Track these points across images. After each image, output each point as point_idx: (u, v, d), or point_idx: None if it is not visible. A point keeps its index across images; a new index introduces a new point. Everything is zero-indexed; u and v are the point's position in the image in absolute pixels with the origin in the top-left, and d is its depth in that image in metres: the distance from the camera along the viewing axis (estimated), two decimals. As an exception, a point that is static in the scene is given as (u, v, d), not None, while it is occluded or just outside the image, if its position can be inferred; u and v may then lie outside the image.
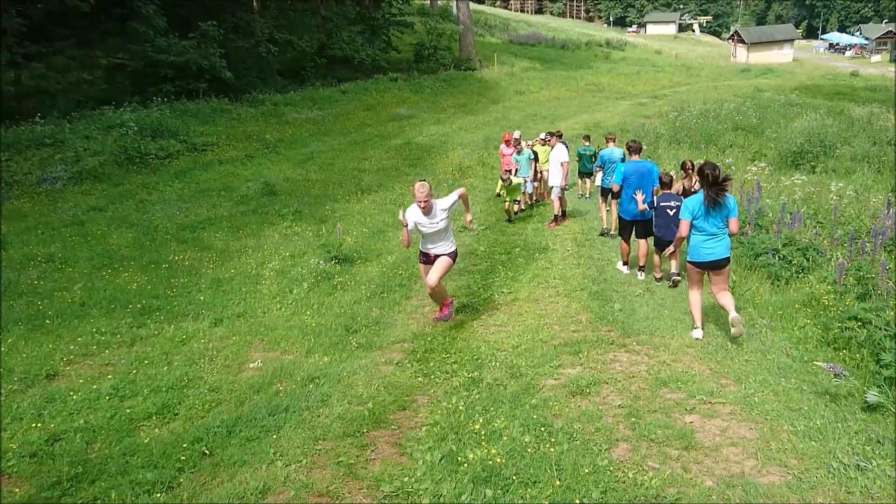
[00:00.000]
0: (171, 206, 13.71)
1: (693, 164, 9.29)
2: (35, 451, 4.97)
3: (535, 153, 13.73)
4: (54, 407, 5.73)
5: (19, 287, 8.99)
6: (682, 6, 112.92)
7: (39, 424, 5.38)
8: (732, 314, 6.44)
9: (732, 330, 6.43)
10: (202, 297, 8.77)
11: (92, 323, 7.73)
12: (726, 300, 6.64)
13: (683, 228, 6.80)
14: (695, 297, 6.86)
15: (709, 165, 6.69)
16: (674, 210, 8.23)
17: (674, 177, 8.91)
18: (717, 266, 6.70)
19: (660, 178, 8.83)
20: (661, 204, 8.53)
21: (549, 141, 13.27)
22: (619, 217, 9.37)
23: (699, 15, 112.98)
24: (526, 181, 13.34)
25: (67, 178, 15.40)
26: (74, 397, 5.85)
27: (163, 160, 17.68)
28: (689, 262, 6.87)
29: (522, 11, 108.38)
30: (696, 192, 8.35)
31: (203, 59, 23.62)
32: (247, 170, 17.43)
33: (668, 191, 8.64)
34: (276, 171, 17.27)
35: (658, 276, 8.86)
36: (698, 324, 6.81)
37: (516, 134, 14.20)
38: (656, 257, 8.85)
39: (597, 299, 8.12)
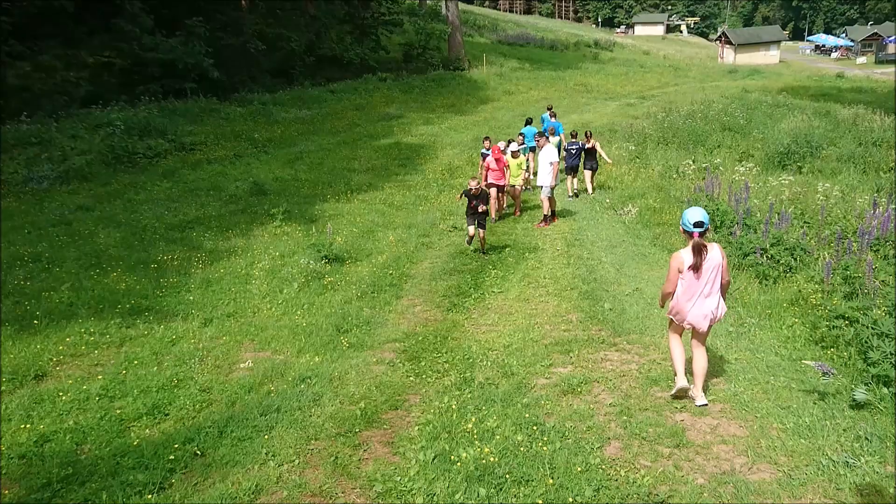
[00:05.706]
0: (159, 206, 13.61)
1: (591, 133, 14.78)
2: (24, 452, 4.93)
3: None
4: (43, 408, 5.69)
5: (6, 287, 8.89)
6: (669, 7, 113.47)
7: (28, 426, 5.34)
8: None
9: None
10: (191, 297, 8.73)
11: (80, 323, 7.66)
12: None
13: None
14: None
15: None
16: (575, 150, 14.11)
17: (577, 134, 15.05)
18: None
19: (571, 133, 15.20)
20: (568, 147, 14.21)
21: (538, 142, 13.09)
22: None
23: (687, 16, 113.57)
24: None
25: (54, 178, 15.22)
26: (64, 398, 5.81)
27: (151, 159, 17.54)
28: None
29: (511, 11, 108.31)
30: (592, 148, 14.28)
31: (189, 58, 23.45)
32: (236, 169, 17.31)
33: (574, 139, 14.51)
34: (266, 170, 17.18)
35: (570, 195, 14.57)
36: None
37: (502, 145, 13.49)
38: (570, 181, 14.68)
39: (587, 299, 8.16)
